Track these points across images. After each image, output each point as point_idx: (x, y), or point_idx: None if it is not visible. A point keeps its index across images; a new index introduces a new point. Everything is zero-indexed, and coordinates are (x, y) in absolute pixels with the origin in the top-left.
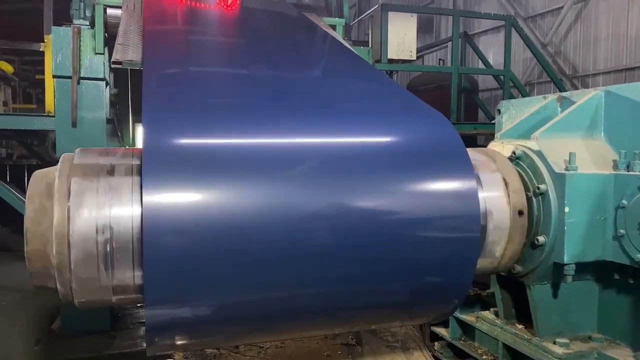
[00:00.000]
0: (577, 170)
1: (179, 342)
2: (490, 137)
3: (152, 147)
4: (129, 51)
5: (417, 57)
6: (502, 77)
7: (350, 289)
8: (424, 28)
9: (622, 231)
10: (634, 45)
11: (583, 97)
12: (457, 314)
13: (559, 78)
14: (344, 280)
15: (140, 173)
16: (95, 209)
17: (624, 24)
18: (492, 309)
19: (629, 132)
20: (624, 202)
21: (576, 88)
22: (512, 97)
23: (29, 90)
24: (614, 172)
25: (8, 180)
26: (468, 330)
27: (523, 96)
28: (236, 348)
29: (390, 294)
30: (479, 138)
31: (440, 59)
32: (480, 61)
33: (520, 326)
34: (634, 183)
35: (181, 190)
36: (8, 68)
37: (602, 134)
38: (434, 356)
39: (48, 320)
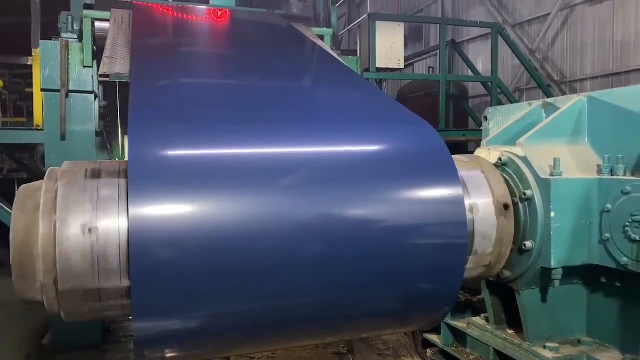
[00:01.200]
0: (562, 176)
1: (168, 355)
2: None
3: (137, 159)
4: (117, 64)
5: (407, 65)
6: (490, 83)
7: (340, 298)
8: (413, 36)
9: (607, 235)
10: (620, 51)
11: (567, 103)
12: (449, 320)
13: (546, 84)
14: (333, 289)
15: (127, 185)
16: (81, 222)
17: (609, 30)
18: (482, 315)
19: (611, 137)
20: (609, 206)
21: (564, 93)
22: (500, 103)
23: (19, 103)
24: (598, 177)
25: None
26: (460, 336)
27: (511, 102)
28: (227, 359)
29: (380, 302)
30: (469, 145)
31: (430, 67)
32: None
33: (510, 331)
34: (617, 187)
35: (168, 201)
36: None
37: (586, 139)
38: None
39: (38, 336)
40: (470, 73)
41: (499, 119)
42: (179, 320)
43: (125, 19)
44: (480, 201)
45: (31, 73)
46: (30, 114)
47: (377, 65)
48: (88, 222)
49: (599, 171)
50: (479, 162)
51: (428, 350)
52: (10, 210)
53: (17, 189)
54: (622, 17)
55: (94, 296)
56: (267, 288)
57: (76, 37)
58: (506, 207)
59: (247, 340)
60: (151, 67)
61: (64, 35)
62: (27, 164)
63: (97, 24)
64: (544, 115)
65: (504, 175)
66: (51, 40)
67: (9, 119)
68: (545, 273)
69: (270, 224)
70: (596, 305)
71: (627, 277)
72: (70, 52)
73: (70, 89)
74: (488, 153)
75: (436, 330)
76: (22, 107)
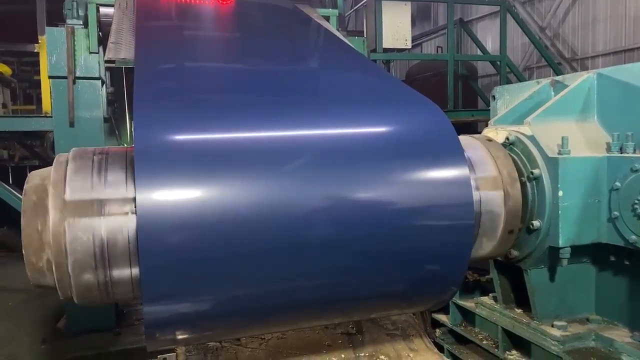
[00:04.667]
0: (570, 154)
1: (179, 337)
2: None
3: (144, 144)
4: (122, 49)
5: (415, 45)
6: (499, 62)
7: (349, 280)
8: (421, 15)
9: (616, 213)
10: (633, 26)
11: (575, 81)
12: (457, 300)
13: (557, 62)
14: (342, 271)
15: (134, 170)
16: (90, 207)
17: (622, 5)
18: (491, 295)
19: (621, 114)
20: (617, 184)
21: (575, 71)
22: (509, 82)
23: (29, 91)
24: (607, 155)
25: (10, 182)
26: (468, 316)
27: (520, 81)
28: (238, 340)
29: (388, 283)
30: (479, 125)
31: (438, 47)
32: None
33: (519, 310)
34: (626, 165)
35: (175, 186)
36: (5, 69)
37: (595, 116)
38: (435, 343)
39: (54, 320)
40: (479, 52)
41: (506, 98)
42: (188, 303)
43: (129, 3)
44: (486, 179)
45: (39, 60)
46: (40, 101)
47: (384, 46)
48: (97, 207)
49: (608, 149)
50: (484, 141)
51: (437, 330)
52: (21, 197)
53: None
54: None
55: (104, 281)
56: (275, 271)
57: (81, 23)
58: (511, 185)
59: (257, 322)
60: (156, 52)
61: (69, 21)
62: (38, 152)
63: (102, 9)
64: (552, 93)
65: (512, 154)
66: (57, 27)
67: (19, 107)
68: (553, 252)
69: (278, 206)
70: (604, 284)
71: (636, 255)
72: (76, 38)
73: (77, 75)
74: (495, 132)
75: (445, 310)
76: (31, 95)
